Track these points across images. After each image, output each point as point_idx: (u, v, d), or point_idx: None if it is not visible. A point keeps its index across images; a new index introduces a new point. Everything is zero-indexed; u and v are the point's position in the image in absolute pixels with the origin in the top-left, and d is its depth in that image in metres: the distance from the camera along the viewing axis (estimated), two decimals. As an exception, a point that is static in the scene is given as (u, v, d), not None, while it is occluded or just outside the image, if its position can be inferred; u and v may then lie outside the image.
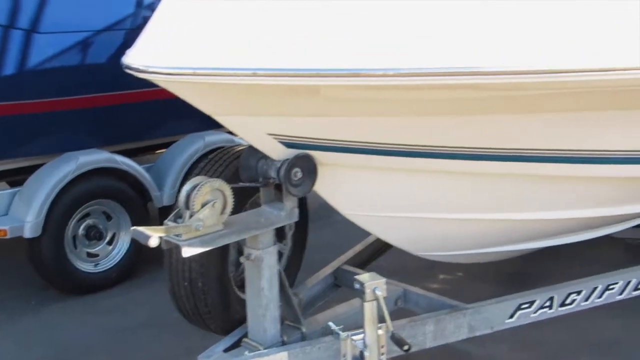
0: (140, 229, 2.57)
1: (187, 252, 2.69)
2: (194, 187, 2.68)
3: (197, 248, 2.71)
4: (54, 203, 4.44)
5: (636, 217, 4.27)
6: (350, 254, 4.08)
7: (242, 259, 3.02)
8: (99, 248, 4.86)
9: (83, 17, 4.83)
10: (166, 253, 3.18)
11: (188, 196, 2.67)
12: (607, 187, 3.65)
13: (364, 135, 2.95)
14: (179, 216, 2.72)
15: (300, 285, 3.65)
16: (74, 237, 4.71)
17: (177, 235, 2.66)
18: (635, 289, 3.78)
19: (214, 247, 2.79)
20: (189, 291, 3.23)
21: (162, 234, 2.59)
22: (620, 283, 3.73)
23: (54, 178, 4.45)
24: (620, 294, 3.73)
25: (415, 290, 3.67)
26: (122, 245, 4.91)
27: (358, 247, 4.15)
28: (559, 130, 3.14)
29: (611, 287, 3.71)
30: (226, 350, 3.08)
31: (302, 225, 3.82)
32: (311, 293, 3.61)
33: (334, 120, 2.85)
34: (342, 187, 3.16)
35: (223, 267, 3.24)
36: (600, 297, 3.69)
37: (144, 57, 2.50)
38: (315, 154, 2.94)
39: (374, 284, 2.92)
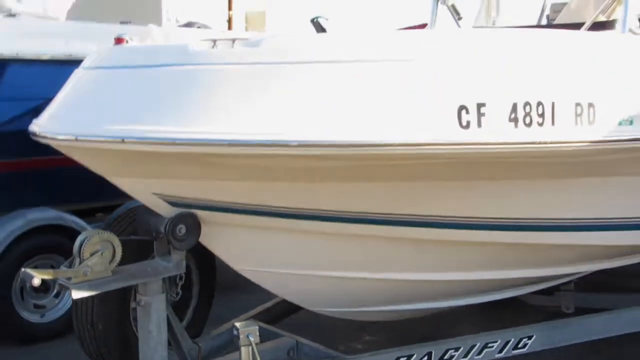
0: (29, 270, 2.99)
1: (76, 294, 3.08)
2: (85, 238, 3.12)
3: (85, 292, 3.09)
4: (2, 256, 4.77)
5: (534, 282, 4.60)
6: (259, 309, 4.36)
7: (133, 304, 3.41)
8: (46, 300, 5.18)
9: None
10: (73, 302, 3.58)
11: (80, 245, 3.10)
12: (487, 251, 3.95)
13: (242, 197, 3.29)
14: (72, 263, 3.15)
15: (205, 336, 3.97)
16: (22, 289, 5.00)
17: (67, 279, 3.07)
18: (515, 347, 4.04)
19: (101, 291, 3.16)
20: (92, 334, 3.63)
21: (50, 277, 3.01)
22: (499, 342, 4.00)
23: (2, 233, 4.80)
24: (500, 352, 4.01)
25: (305, 342, 3.94)
26: (68, 298, 5.21)
27: (268, 304, 4.41)
28: (422, 197, 3.52)
29: (490, 345, 3.97)
30: None
31: (208, 281, 4.23)
32: (215, 343, 3.86)
33: (211, 183, 3.19)
34: (228, 243, 3.49)
35: (124, 311, 3.59)
36: (479, 354, 3.94)
37: (45, 125, 2.97)
38: (198, 212, 3.28)
39: (247, 330, 3.32)
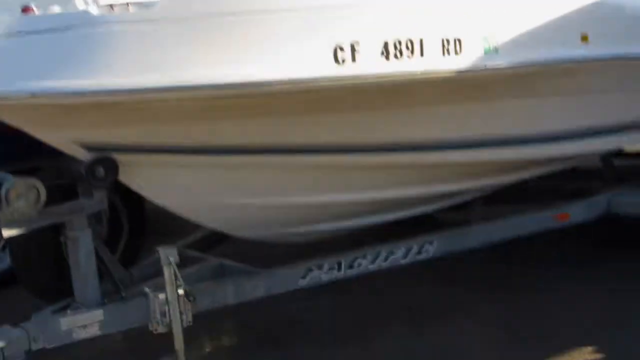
0: None
1: (6, 233, 3.50)
2: (10, 184, 3.46)
3: (14, 230, 3.51)
4: None
5: (438, 199, 4.97)
6: (191, 238, 4.80)
7: (62, 239, 3.83)
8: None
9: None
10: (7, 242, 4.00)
11: (7, 190, 3.46)
12: (387, 172, 4.33)
13: (151, 138, 3.62)
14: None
15: (137, 265, 4.41)
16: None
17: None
18: (418, 253, 4.52)
19: (29, 229, 3.56)
20: (29, 270, 4.08)
21: None
22: (403, 249, 4.47)
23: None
24: (404, 258, 4.49)
25: (229, 262, 4.38)
26: None
27: (200, 233, 4.83)
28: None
29: (394, 252, 4.44)
30: (54, 312, 3.74)
31: (137, 215, 4.68)
32: (146, 270, 4.26)
33: (121, 128, 3.50)
34: (146, 181, 3.83)
35: (57, 247, 4.00)
36: (385, 260, 4.43)
37: None
38: (115, 155, 3.62)
39: (167, 252, 3.72)
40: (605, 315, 4.69)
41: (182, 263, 4.49)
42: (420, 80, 3.69)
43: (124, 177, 3.77)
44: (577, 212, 5.20)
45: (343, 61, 3.39)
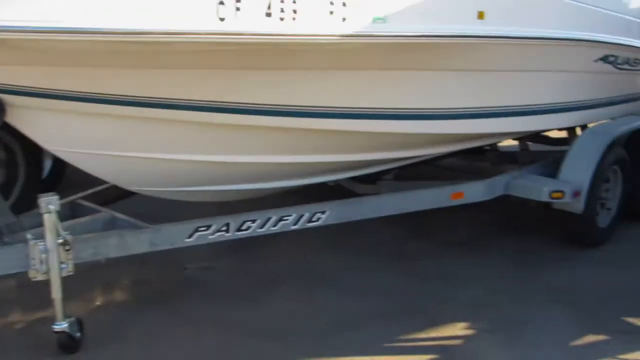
0: None
1: None
2: None
3: None
4: None
5: (345, 168, 5.07)
6: (90, 190, 4.84)
7: None
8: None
9: None
10: None
11: None
12: (289, 136, 4.35)
13: (41, 82, 3.55)
14: None
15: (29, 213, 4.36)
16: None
17: None
18: (309, 221, 4.58)
19: None
20: None
21: None
22: (294, 215, 4.53)
23: None
24: (295, 224, 4.55)
25: (120, 216, 4.42)
26: None
27: (100, 187, 4.87)
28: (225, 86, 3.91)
29: (285, 218, 4.49)
30: None
31: (34, 161, 4.68)
32: (37, 219, 4.05)
33: (10, 69, 3.42)
34: (37, 125, 3.78)
35: None
36: (275, 225, 4.47)
37: None
38: (3, 96, 3.57)
39: (48, 199, 3.75)
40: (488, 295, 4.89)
41: (78, 214, 4.63)
42: (303, 43, 3.69)
43: (15, 120, 3.74)
44: (473, 191, 5.33)
45: (224, 18, 3.37)
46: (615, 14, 5.92)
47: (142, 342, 4.11)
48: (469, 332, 4.31)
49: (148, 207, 5.01)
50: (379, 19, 3.84)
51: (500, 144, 6.79)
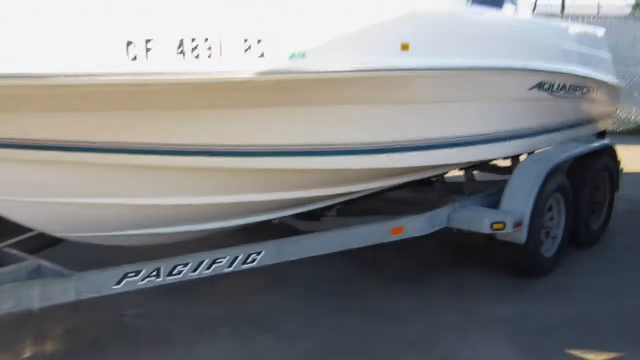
0: None
1: None
2: None
3: None
4: None
5: (283, 206, 4.97)
6: (18, 238, 4.63)
7: None
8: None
9: None
10: None
11: None
12: (207, 176, 4.25)
13: None
14: None
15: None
16: None
17: None
18: (244, 262, 4.46)
19: None
20: None
21: None
22: (228, 257, 4.42)
23: None
24: (229, 267, 4.42)
25: (47, 264, 4.22)
26: None
27: (30, 233, 4.66)
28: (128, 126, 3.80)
29: (219, 260, 4.38)
30: None
31: None
32: None
33: None
34: None
35: None
36: (208, 269, 4.34)
37: None
38: None
39: None
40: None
41: (2, 262, 4.49)
42: (220, 82, 3.64)
43: None
44: (413, 226, 5.27)
45: (135, 57, 3.31)
46: (551, 41, 6.03)
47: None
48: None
49: (86, 252, 4.83)
50: (296, 54, 3.80)
51: (448, 175, 6.84)
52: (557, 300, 5.39)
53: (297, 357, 4.43)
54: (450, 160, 5.43)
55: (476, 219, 5.37)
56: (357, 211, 5.97)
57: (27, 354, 4.54)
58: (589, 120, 7.02)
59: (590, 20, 15.16)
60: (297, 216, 5.41)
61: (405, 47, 4.33)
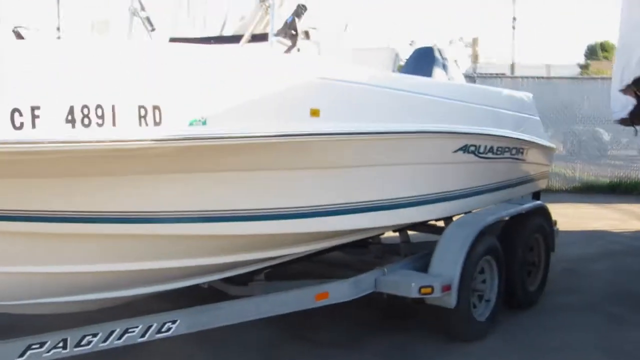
0: None
1: None
2: None
3: None
4: None
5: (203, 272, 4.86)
6: None
7: None
8: None
9: None
10: None
11: None
12: (127, 242, 4.18)
13: None
14: None
15: None
16: None
17: None
18: (159, 331, 4.37)
19: None
20: None
21: None
22: (141, 327, 4.31)
23: None
24: (142, 336, 4.32)
25: None
26: None
27: None
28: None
29: (131, 330, 4.28)
30: None
31: None
32: None
33: None
34: None
35: None
36: (120, 339, 4.24)
37: None
38: None
39: None
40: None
41: None
42: (112, 150, 3.59)
43: None
44: (338, 291, 5.21)
45: (21, 125, 3.26)
46: (476, 105, 6.13)
47: None
48: None
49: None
50: (196, 121, 3.80)
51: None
52: None
53: None
54: (376, 224, 5.42)
55: (404, 284, 5.32)
56: (286, 275, 5.96)
57: None
58: (522, 181, 7.12)
59: (541, 82, 15.57)
60: (225, 280, 5.32)
61: (315, 112, 4.37)
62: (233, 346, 5.58)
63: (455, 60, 7.09)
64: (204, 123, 3.81)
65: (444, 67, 6.75)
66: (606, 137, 15.56)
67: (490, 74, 17.93)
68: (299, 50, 4.70)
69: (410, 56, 7.11)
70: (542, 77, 18.10)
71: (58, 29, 26.61)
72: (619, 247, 9.29)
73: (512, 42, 33.21)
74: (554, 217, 7.30)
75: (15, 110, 3.24)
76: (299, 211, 4.73)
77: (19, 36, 5.77)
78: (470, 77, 14.08)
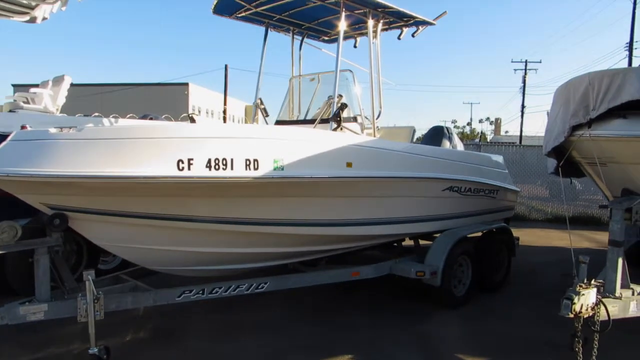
0: None
1: None
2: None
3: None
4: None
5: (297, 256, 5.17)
6: (130, 269, 5.09)
7: (30, 259, 4.16)
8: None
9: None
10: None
11: None
12: (260, 237, 4.52)
13: (88, 204, 3.93)
14: (-5, 238, 3.96)
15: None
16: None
17: None
18: (257, 288, 4.73)
19: (8, 251, 3.98)
20: (15, 275, 4.48)
21: None
22: (246, 284, 4.68)
23: None
24: (248, 290, 4.68)
25: (140, 284, 4.63)
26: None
27: (133, 268, 5.03)
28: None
29: (241, 286, 4.66)
30: (21, 303, 4.04)
31: (94, 251, 4.99)
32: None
33: (69, 197, 3.83)
34: (88, 229, 4.14)
35: (31, 263, 4.19)
36: (234, 290, 4.61)
37: None
38: (66, 212, 3.98)
39: (88, 272, 4.05)
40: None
41: (117, 282, 4.91)
42: (234, 183, 3.99)
43: (74, 226, 4.08)
44: (366, 271, 5.47)
45: (182, 169, 3.77)
46: (461, 162, 6.19)
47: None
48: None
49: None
50: (278, 168, 4.16)
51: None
52: (462, 321, 5.44)
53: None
54: (395, 232, 5.58)
55: (407, 269, 5.56)
56: (340, 261, 6.06)
57: (126, 337, 4.79)
58: (493, 211, 7.03)
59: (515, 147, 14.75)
60: (301, 263, 5.60)
61: (349, 164, 4.65)
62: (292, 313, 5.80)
63: (458, 134, 7.02)
64: (282, 169, 4.23)
65: (450, 139, 6.79)
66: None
67: (496, 142, 17.44)
68: (342, 129, 5.08)
69: (428, 131, 7.14)
70: (525, 145, 16.95)
71: (224, 112, 27.96)
72: (570, 257, 8.93)
73: (521, 121, 32.14)
74: (525, 235, 7.04)
75: (179, 160, 3.78)
76: (341, 222, 5.00)
77: (192, 120, 6.45)
78: (477, 145, 13.81)
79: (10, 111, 5.93)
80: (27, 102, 6.42)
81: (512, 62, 51.22)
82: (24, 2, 6.50)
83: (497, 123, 58.47)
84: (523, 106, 39.06)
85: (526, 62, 39.87)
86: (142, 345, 4.64)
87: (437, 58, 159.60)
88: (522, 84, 39.85)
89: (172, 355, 4.46)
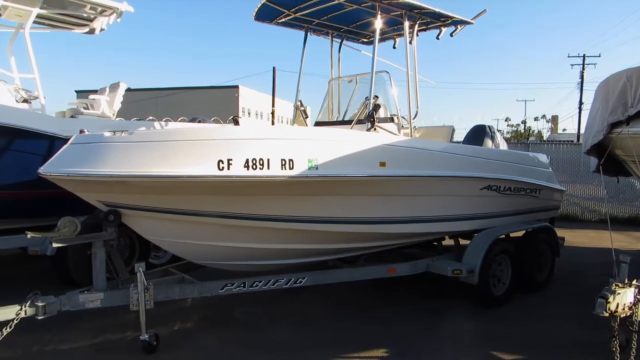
0: (29, 233, 4.19)
1: (55, 245, 4.31)
2: (62, 220, 4.31)
3: (59, 244, 4.29)
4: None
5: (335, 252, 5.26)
6: (177, 263, 5.38)
7: (88, 252, 4.48)
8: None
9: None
10: (64, 249, 4.75)
11: (60, 223, 4.33)
12: (305, 233, 4.69)
13: (140, 202, 4.19)
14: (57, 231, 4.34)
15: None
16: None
17: (52, 238, 4.27)
18: (295, 282, 4.90)
19: (68, 244, 4.30)
20: (76, 266, 4.87)
21: (39, 236, 4.25)
22: (285, 279, 4.87)
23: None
24: (287, 284, 4.92)
25: (186, 276, 4.91)
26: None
27: (180, 262, 5.31)
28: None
29: (280, 280, 4.85)
30: (81, 291, 4.39)
31: (145, 246, 5.32)
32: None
33: (123, 195, 4.12)
34: (139, 225, 4.41)
35: (89, 256, 4.52)
36: (274, 284, 4.79)
37: (46, 168, 3.94)
38: (120, 209, 4.26)
39: (139, 264, 4.37)
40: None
41: (166, 275, 5.21)
42: (268, 181, 4.16)
43: (126, 221, 4.37)
44: (402, 268, 5.52)
45: (223, 169, 3.99)
46: (500, 160, 6.13)
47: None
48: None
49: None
50: (312, 167, 4.33)
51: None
52: (501, 322, 5.37)
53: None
54: (424, 230, 5.53)
55: (443, 267, 5.56)
56: (378, 260, 6.13)
57: (167, 327, 5.03)
58: (536, 210, 6.89)
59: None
60: (341, 260, 5.70)
61: (382, 164, 4.74)
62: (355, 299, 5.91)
63: (512, 132, 6.86)
64: (317, 168, 4.38)
65: (492, 138, 6.70)
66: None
67: (547, 141, 16.71)
68: (375, 129, 5.17)
69: (469, 130, 7.01)
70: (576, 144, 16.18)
71: (272, 113, 28.34)
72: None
73: (578, 118, 30.92)
74: (576, 236, 6.85)
75: (219, 161, 4.00)
76: (377, 219, 5.09)
77: (235, 122, 6.72)
78: (524, 144, 13.46)
79: (71, 117, 6.37)
80: (87, 108, 6.85)
81: (568, 57, 48.52)
82: (84, 15, 7.08)
83: (554, 121, 56.25)
84: (581, 102, 37.44)
85: (584, 56, 38.21)
86: (190, 334, 4.91)
87: (487, 56, 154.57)
88: (580, 80, 38.21)
89: (213, 343, 4.70)
